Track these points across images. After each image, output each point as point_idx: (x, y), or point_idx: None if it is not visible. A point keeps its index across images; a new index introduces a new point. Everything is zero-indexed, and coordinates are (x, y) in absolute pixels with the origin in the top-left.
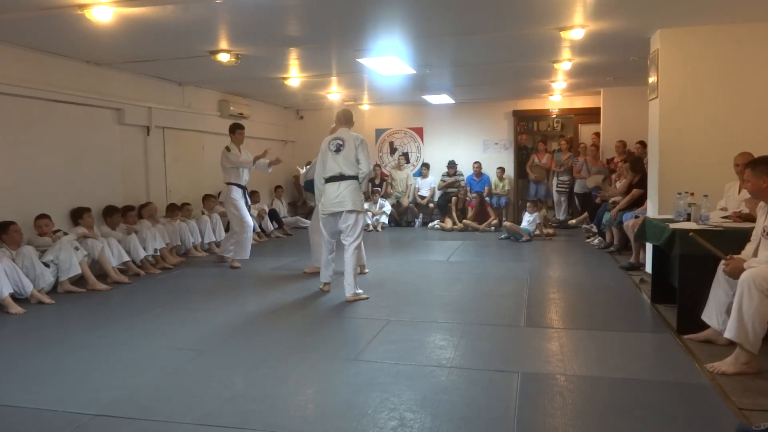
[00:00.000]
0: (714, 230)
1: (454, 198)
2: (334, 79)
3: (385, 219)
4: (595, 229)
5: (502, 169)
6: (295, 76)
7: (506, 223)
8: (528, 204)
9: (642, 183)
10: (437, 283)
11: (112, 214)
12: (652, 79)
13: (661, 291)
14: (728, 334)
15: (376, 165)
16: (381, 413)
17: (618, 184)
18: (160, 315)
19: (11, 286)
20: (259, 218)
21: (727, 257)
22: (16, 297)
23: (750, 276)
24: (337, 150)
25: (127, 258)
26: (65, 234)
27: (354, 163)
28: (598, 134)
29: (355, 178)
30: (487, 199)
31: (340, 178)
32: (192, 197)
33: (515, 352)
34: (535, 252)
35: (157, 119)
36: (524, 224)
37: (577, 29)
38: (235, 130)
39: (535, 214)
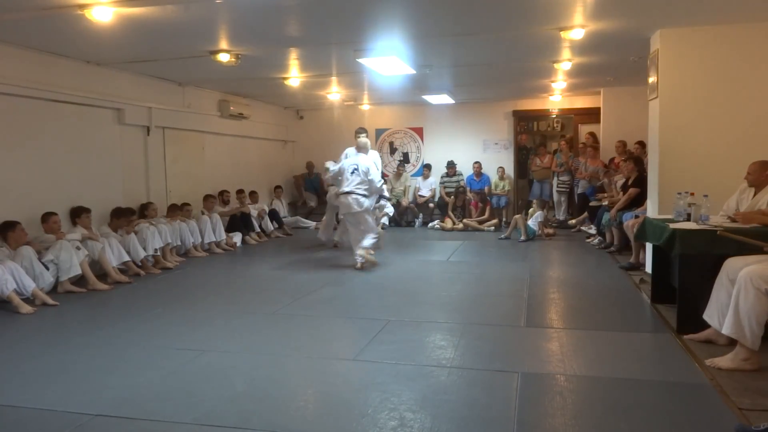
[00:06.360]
0: (713, 230)
1: (452, 196)
2: (334, 79)
3: (385, 219)
4: (593, 231)
5: (503, 169)
6: (295, 76)
7: (517, 216)
8: (532, 204)
9: (640, 182)
10: (437, 283)
11: (119, 217)
12: (652, 79)
13: (661, 291)
14: (725, 330)
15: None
16: (381, 413)
17: (619, 184)
18: (160, 315)
19: (13, 282)
20: (259, 218)
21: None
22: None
23: (747, 273)
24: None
25: (127, 258)
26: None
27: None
28: (591, 134)
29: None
30: (487, 198)
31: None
32: (192, 197)
33: (515, 352)
34: (535, 252)
35: (157, 119)
36: (530, 222)
37: (577, 29)
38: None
39: (539, 212)
